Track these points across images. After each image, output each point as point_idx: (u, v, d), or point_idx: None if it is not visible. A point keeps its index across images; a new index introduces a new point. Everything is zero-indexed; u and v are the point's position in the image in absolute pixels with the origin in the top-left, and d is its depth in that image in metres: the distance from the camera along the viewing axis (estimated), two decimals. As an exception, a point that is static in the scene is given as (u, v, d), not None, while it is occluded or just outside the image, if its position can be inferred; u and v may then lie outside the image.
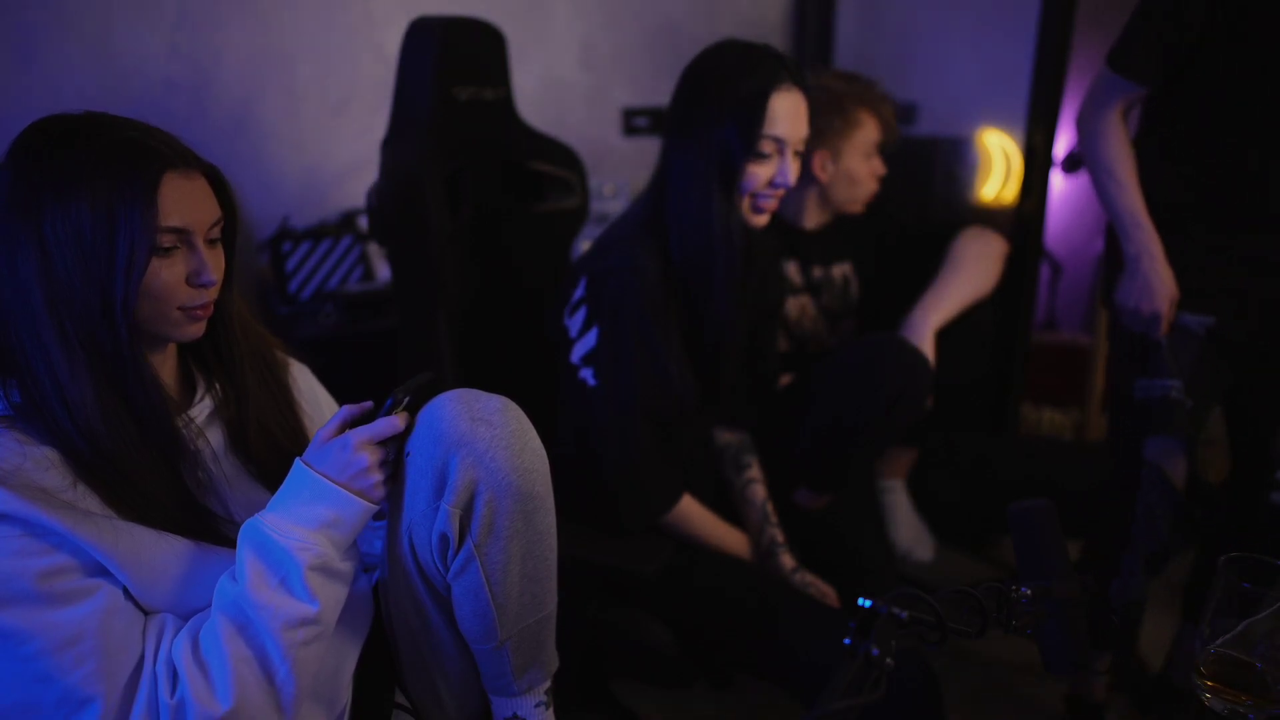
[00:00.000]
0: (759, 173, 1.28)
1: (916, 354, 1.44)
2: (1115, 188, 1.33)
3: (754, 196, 1.31)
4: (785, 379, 1.68)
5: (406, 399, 0.89)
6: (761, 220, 1.35)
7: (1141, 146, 1.37)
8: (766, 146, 1.27)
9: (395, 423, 0.87)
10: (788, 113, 1.27)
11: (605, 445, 1.32)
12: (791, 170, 1.30)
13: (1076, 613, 0.80)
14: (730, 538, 1.45)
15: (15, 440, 0.79)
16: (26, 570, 0.75)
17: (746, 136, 1.25)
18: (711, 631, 1.39)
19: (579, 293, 1.33)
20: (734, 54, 1.30)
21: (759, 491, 1.53)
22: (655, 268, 1.29)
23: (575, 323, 1.33)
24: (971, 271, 1.69)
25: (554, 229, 1.71)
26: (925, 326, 1.60)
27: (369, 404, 0.90)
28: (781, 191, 1.32)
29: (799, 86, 1.28)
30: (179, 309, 0.84)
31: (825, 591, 1.48)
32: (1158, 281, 1.30)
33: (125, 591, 0.81)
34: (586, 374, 1.31)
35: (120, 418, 0.81)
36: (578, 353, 1.32)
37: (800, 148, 1.32)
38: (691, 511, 1.41)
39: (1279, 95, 1.22)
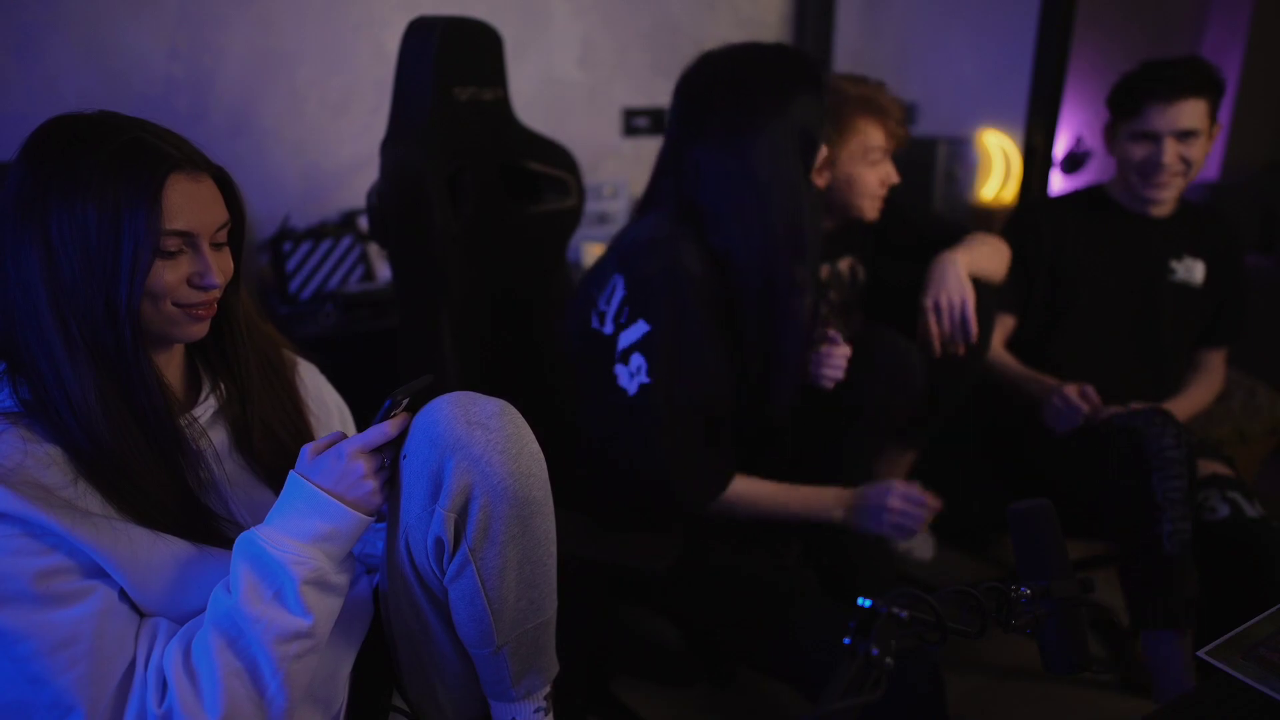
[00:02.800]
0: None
1: (910, 354, 1.44)
2: (1006, 370, 1.79)
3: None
4: None
5: (405, 402, 0.89)
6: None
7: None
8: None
9: (387, 429, 0.86)
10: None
11: (651, 435, 1.27)
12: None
13: (1076, 613, 0.80)
14: (803, 498, 1.38)
15: (19, 437, 0.79)
16: (24, 570, 0.75)
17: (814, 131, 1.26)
18: (719, 628, 1.39)
19: (619, 294, 1.29)
20: (776, 52, 1.30)
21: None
22: (703, 272, 1.26)
23: (610, 322, 1.30)
24: (988, 250, 1.67)
25: (550, 229, 1.71)
26: (956, 263, 1.57)
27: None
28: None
29: None
30: (178, 306, 0.84)
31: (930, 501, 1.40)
32: (1072, 398, 1.64)
33: (122, 593, 0.81)
34: (624, 369, 1.28)
35: (123, 416, 0.81)
36: (619, 347, 1.29)
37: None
38: (749, 489, 1.37)
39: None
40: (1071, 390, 1.65)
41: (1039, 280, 1.82)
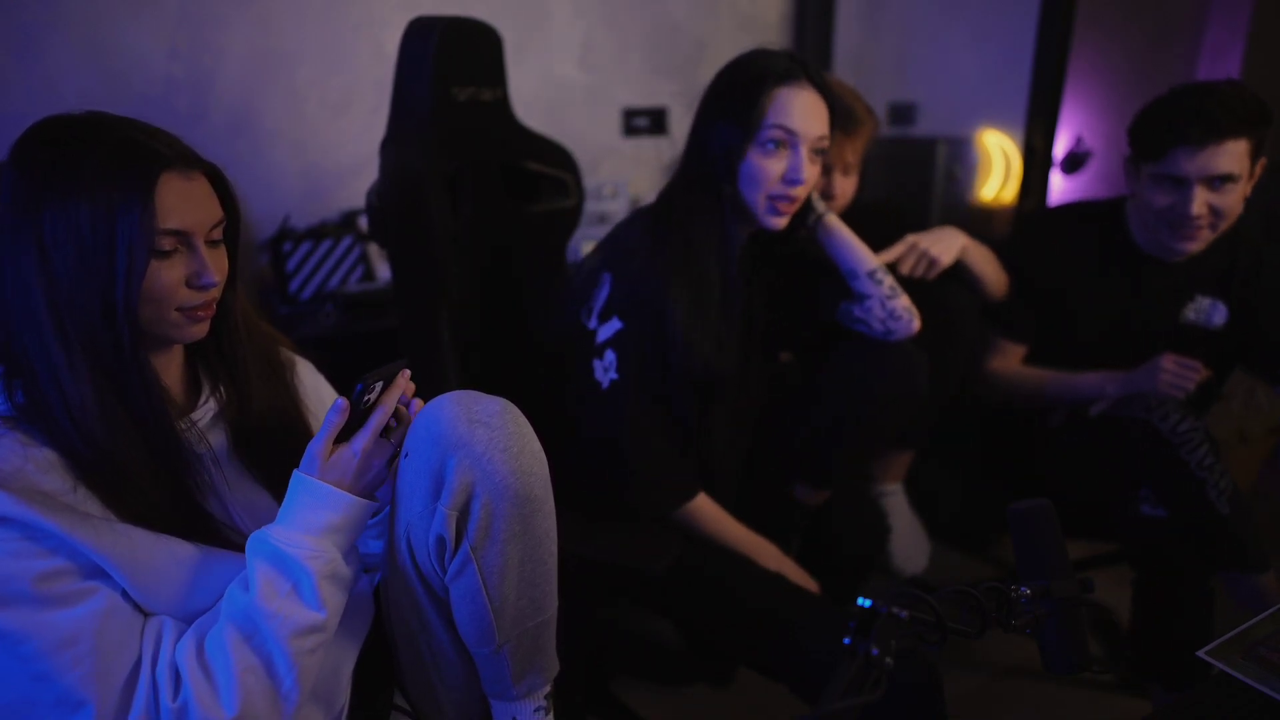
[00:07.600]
0: (770, 166, 1.28)
1: (914, 356, 1.44)
2: (1047, 384, 1.69)
3: (769, 197, 1.30)
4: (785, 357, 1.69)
5: (377, 386, 0.88)
6: (780, 222, 1.34)
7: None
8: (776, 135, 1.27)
9: (385, 411, 0.88)
10: (800, 107, 1.27)
11: (618, 431, 1.33)
12: (806, 168, 1.28)
13: (1076, 613, 0.80)
14: (749, 541, 1.43)
15: (18, 442, 0.79)
16: (24, 572, 0.75)
17: (745, 125, 1.27)
18: (717, 628, 1.39)
19: (604, 291, 1.34)
20: (744, 56, 1.33)
21: None
22: (669, 273, 1.31)
23: (595, 317, 1.35)
24: (992, 263, 1.71)
25: (549, 229, 1.71)
26: (960, 238, 1.63)
27: (342, 402, 0.86)
28: (799, 190, 1.30)
29: (813, 85, 1.28)
30: (177, 310, 0.84)
31: None
32: (1181, 359, 1.54)
33: (124, 594, 0.81)
34: (599, 364, 1.33)
35: (120, 420, 0.81)
36: (597, 341, 1.34)
37: (819, 146, 1.31)
38: (708, 511, 1.41)
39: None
40: (1170, 356, 1.52)
41: (1042, 307, 1.70)
